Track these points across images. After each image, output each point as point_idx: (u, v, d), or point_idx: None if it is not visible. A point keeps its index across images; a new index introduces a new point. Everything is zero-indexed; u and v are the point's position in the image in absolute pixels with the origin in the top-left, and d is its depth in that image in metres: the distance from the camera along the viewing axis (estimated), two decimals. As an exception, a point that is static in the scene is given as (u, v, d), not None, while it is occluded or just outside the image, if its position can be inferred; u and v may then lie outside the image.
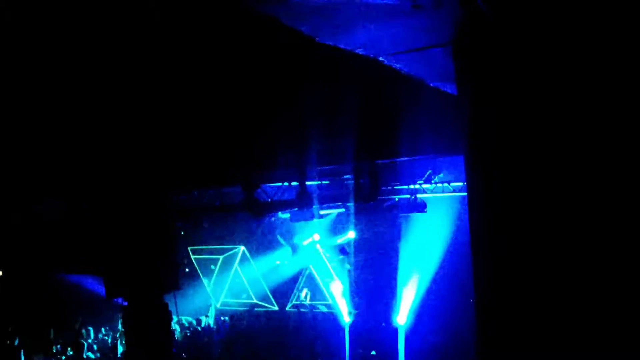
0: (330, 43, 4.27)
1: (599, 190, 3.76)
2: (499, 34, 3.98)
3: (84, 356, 13.90)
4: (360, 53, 4.54)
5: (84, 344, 14.01)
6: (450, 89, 5.35)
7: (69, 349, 13.58)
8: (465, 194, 4.63)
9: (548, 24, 3.85)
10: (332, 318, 18.11)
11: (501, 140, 4.13)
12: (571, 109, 3.81)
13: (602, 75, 3.75)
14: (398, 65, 4.86)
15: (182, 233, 18.85)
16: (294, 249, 19.43)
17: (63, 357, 13.74)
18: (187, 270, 20.52)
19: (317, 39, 4.28)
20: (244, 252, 21.10)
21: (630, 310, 3.66)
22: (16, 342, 13.31)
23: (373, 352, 16.16)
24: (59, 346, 13.64)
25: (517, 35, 3.93)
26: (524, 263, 3.98)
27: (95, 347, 14.48)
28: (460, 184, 15.17)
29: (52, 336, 14.14)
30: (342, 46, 4.31)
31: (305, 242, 19.73)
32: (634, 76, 3.64)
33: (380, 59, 4.65)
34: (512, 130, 4.07)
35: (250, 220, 18.92)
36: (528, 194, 3.99)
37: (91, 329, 15.42)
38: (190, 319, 18.58)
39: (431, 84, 5.51)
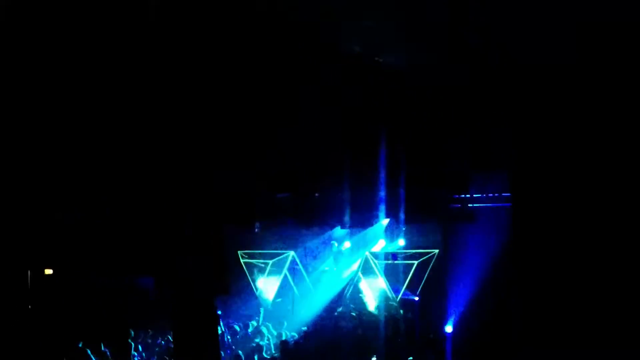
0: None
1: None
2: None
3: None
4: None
5: (131, 344, 14.11)
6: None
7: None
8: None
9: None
10: (379, 325, 17.96)
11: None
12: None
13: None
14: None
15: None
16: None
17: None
18: (236, 274, 20.64)
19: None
20: (293, 257, 21.13)
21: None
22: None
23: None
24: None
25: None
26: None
27: (140, 348, 14.56)
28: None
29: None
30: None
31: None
32: None
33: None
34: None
35: (301, 225, 18.95)
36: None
37: (139, 332, 15.51)
38: (238, 323, 18.64)
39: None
